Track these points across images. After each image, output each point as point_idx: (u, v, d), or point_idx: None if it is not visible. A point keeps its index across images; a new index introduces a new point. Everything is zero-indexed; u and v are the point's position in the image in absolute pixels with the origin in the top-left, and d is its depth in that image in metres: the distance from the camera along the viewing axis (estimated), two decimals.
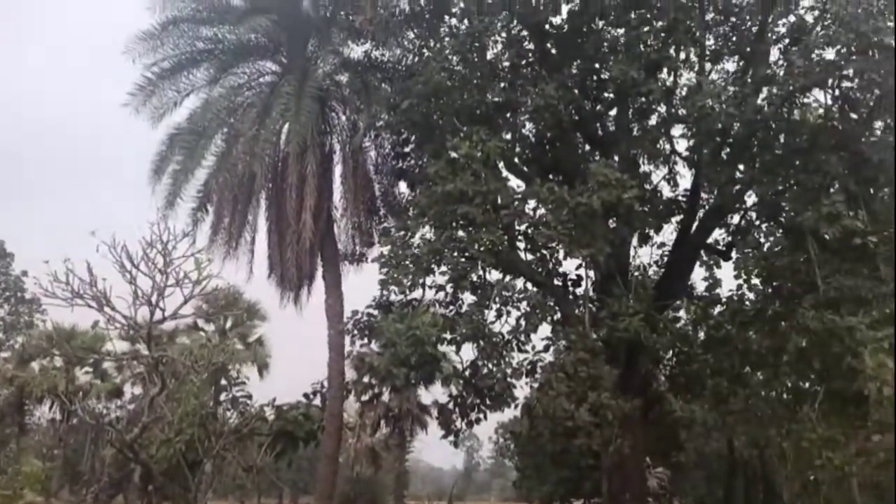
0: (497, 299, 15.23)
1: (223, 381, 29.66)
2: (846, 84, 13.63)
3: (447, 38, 17.45)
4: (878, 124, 14.82)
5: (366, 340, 17.99)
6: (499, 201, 15.59)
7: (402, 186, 20.00)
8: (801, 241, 14.01)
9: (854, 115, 14.15)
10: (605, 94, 17.47)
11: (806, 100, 15.09)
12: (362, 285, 19.41)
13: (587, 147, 18.33)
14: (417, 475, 73.07)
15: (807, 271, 13.86)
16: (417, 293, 15.91)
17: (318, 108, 19.03)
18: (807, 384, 15.49)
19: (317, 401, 21.46)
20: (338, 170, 20.48)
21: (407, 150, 19.02)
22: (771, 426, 17.15)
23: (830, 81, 13.61)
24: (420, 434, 40.44)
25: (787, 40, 16.00)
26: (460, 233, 15.50)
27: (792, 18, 16.90)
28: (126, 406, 32.70)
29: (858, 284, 13.06)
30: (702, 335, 17.34)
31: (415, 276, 15.43)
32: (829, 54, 13.84)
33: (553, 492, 30.15)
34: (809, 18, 16.31)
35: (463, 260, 15.28)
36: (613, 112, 18.00)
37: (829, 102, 14.24)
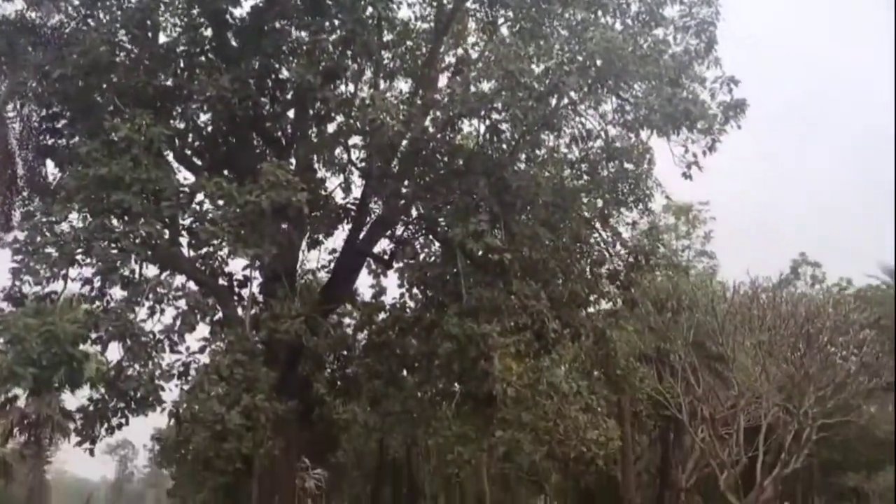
0: (151, 296, 14.25)
1: None
2: (495, 116, 15.14)
3: (116, 10, 16.02)
4: (522, 156, 16.75)
5: None
6: (162, 192, 14.66)
7: (51, 166, 17.83)
8: (452, 254, 15.24)
9: (502, 146, 15.74)
10: (284, 96, 17.37)
11: (465, 127, 16.59)
12: None
13: (264, 147, 18.06)
14: (61, 488, 66.05)
15: (455, 283, 15.08)
16: (58, 286, 14.27)
17: None
18: (451, 386, 16.85)
19: None
20: None
21: (59, 125, 17.00)
22: (420, 426, 18.42)
23: (483, 112, 15.01)
24: (65, 443, 37.18)
25: (452, 69, 17.34)
26: (114, 222, 14.29)
27: (460, 51, 18.47)
28: None
29: (495, 296, 14.55)
30: (364, 340, 18.12)
31: (56, 265, 13.88)
32: (486, 87, 15.30)
33: (210, 499, 29.24)
34: (474, 54, 17.98)
35: (115, 252, 14.10)
36: (292, 114, 17.95)
37: (483, 130, 15.68)
